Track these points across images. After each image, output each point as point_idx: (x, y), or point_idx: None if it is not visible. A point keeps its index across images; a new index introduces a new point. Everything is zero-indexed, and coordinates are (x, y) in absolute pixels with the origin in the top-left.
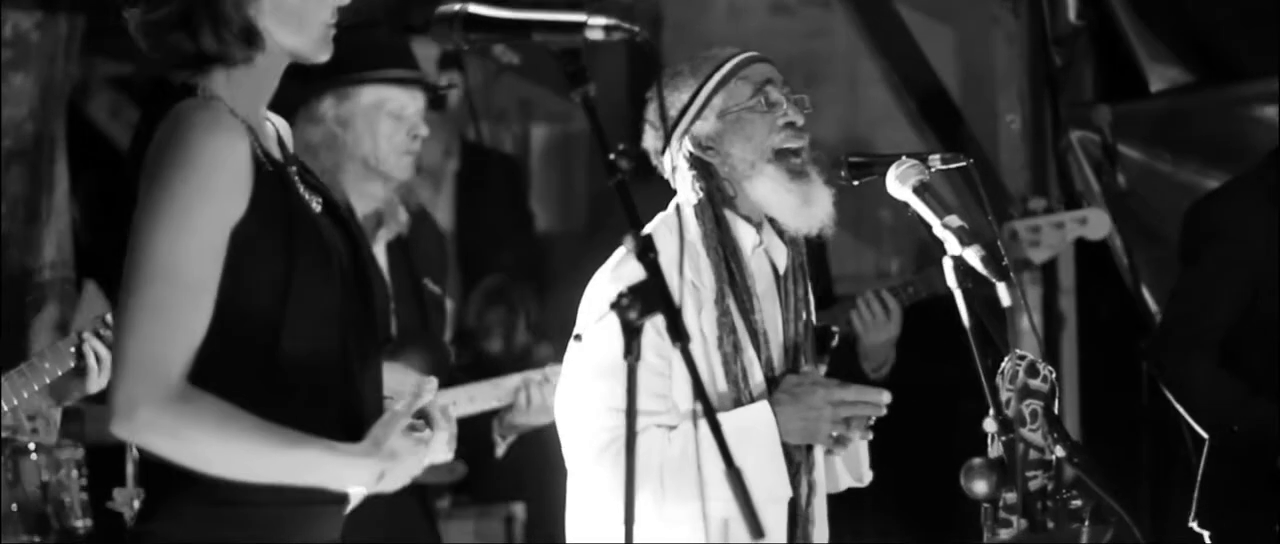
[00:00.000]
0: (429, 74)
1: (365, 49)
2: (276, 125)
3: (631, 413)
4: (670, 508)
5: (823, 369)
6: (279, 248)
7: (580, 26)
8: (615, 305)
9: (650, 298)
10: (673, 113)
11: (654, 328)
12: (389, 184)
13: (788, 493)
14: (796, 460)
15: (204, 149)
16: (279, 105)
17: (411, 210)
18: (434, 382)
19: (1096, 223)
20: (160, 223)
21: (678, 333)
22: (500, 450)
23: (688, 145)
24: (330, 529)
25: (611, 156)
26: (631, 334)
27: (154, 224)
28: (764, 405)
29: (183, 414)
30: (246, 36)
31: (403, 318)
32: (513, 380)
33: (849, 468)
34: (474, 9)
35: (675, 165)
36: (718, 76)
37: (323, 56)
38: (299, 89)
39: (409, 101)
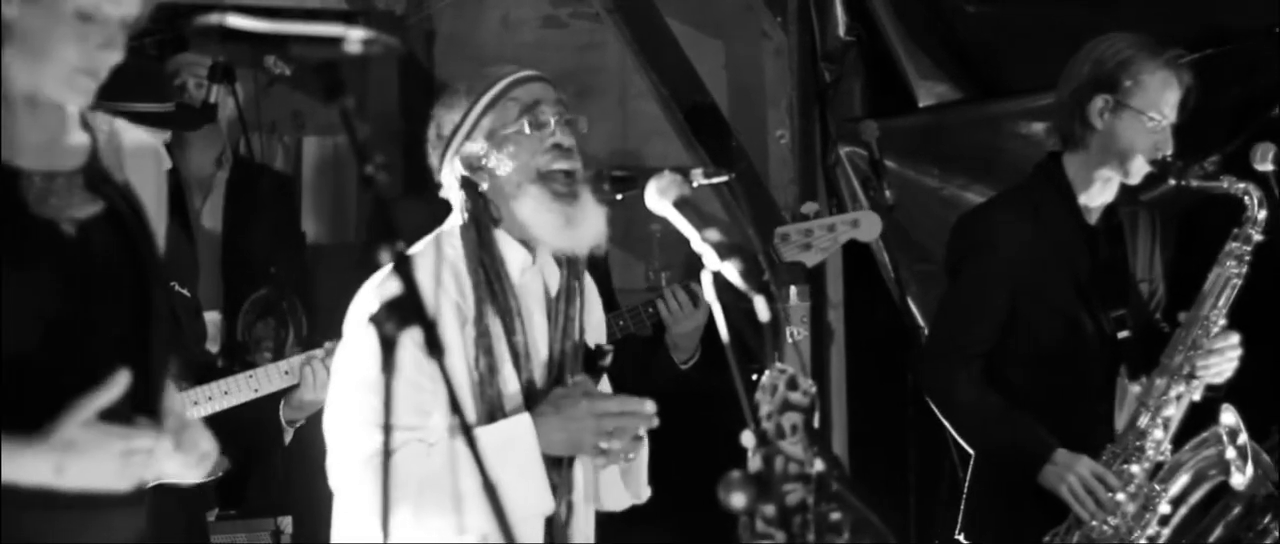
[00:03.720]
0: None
1: (119, 78)
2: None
3: (388, 428)
4: (429, 522)
5: (603, 384)
6: None
7: (338, 41)
8: (373, 319)
9: (406, 312)
10: (445, 132)
11: (414, 343)
12: None
13: (550, 506)
14: (553, 481)
15: None
16: None
17: None
18: (123, 378)
19: (868, 225)
20: None
21: (433, 347)
22: (288, 436)
23: (458, 166)
24: (96, 532)
25: (367, 170)
26: (388, 348)
27: None
28: (525, 417)
29: None
30: None
31: None
32: (292, 361)
33: (627, 485)
34: (232, 21)
35: (449, 185)
36: (488, 97)
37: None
38: None
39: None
